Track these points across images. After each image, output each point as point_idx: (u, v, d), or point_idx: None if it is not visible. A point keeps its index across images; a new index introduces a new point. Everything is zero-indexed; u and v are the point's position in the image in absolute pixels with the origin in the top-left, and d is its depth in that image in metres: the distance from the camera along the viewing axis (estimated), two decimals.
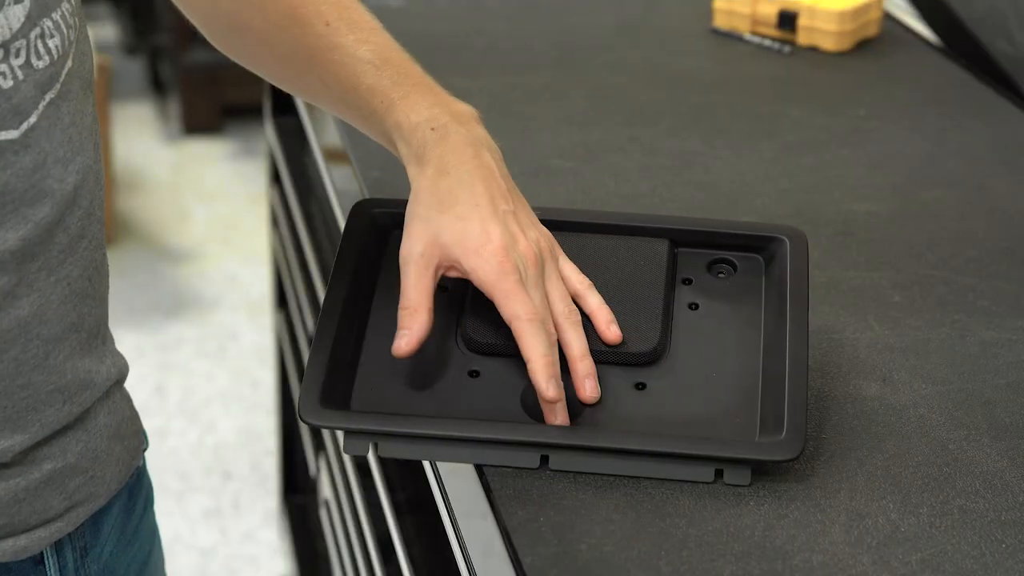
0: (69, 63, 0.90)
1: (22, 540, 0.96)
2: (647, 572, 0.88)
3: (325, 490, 1.90)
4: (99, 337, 0.98)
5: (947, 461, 0.98)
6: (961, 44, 1.74)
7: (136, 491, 1.10)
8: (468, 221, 0.97)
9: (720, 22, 1.72)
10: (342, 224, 1.28)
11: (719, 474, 0.94)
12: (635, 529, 0.91)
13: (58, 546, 0.99)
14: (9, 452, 0.92)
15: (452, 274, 0.98)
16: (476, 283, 0.97)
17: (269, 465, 2.59)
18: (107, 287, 1.00)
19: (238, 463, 2.64)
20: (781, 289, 1.04)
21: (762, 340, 1.02)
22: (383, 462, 1.44)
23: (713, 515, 0.92)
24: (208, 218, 3.46)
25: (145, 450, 1.09)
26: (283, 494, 2.39)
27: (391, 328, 0.98)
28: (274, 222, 2.25)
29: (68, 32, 0.90)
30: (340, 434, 1.11)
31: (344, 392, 0.98)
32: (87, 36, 0.95)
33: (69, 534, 1.00)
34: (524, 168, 1.32)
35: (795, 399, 0.96)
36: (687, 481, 0.94)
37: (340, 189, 1.46)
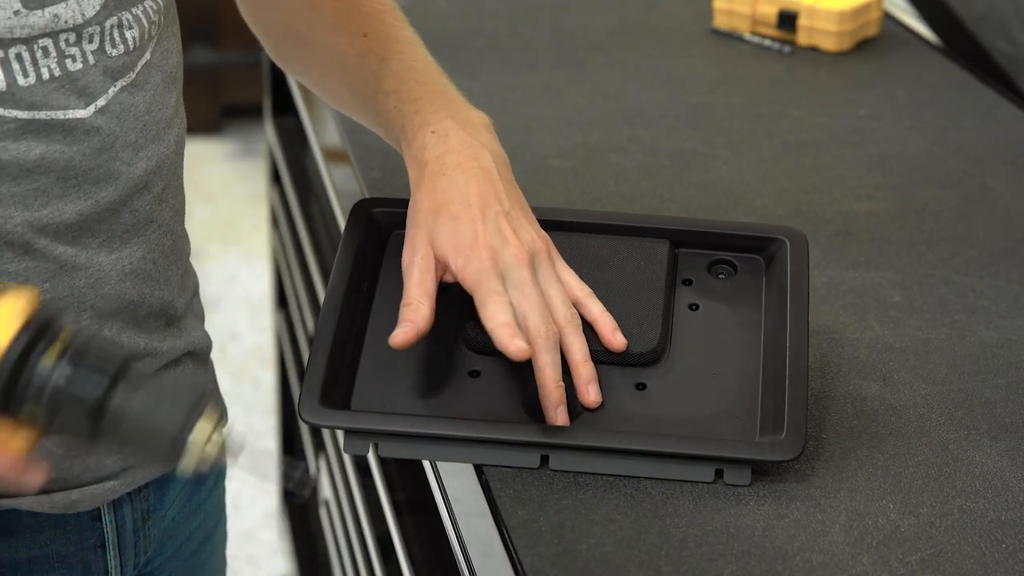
0: (147, 56, 0.94)
1: (74, 495, 0.98)
2: (647, 572, 0.88)
3: (325, 490, 1.90)
4: (163, 319, 1.00)
5: (947, 461, 0.98)
6: (961, 44, 1.74)
7: None
8: (459, 221, 0.98)
9: (720, 22, 1.72)
10: (342, 224, 1.28)
11: (719, 474, 0.94)
12: (635, 529, 0.91)
13: (116, 505, 1.02)
14: None
15: (448, 278, 0.99)
16: (462, 284, 0.97)
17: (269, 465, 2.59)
18: (180, 273, 1.03)
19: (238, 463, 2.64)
20: (781, 290, 1.04)
21: (762, 341, 1.02)
22: (383, 462, 1.44)
23: (713, 515, 0.92)
24: (208, 218, 3.46)
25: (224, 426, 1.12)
26: (283, 494, 2.39)
27: (391, 327, 0.98)
28: (274, 222, 2.25)
29: (150, 27, 0.95)
30: (340, 434, 1.11)
31: (344, 392, 0.98)
32: (174, 35, 0.99)
33: (130, 495, 1.03)
34: (524, 168, 1.32)
35: (795, 399, 0.96)
36: (687, 481, 0.94)
37: (340, 189, 1.46)
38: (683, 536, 0.90)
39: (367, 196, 1.23)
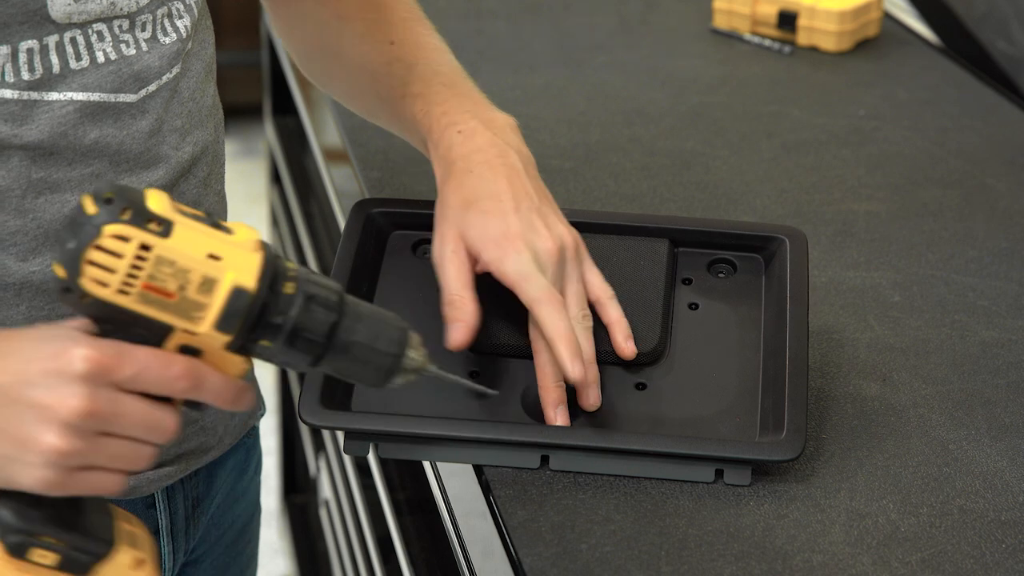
0: (191, 44, 0.97)
1: (131, 480, 0.97)
2: (647, 572, 0.88)
3: (325, 490, 1.90)
4: None
5: (947, 461, 0.98)
6: (961, 44, 1.74)
7: (252, 452, 1.17)
8: (490, 215, 0.97)
9: (720, 22, 1.72)
10: (342, 224, 1.28)
11: (719, 474, 0.94)
12: (635, 529, 0.91)
13: (170, 493, 1.04)
14: None
15: (479, 269, 0.98)
16: (495, 273, 0.97)
17: (269, 465, 2.59)
18: None
19: None
20: (781, 289, 1.04)
21: (762, 340, 1.02)
22: (383, 462, 1.44)
23: (713, 515, 0.92)
24: None
25: (262, 415, 1.15)
26: (283, 494, 2.39)
27: None
28: (274, 222, 2.25)
29: (197, 17, 0.98)
30: (340, 434, 1.11)
31: (344, 392, 0.98)
32: (208, 27, 1.01)
33: (182, 482, 1.05)
34: None
35: (795, 399, 0.96)
36: (687, 481, 0.94)
37: (340, 189, 1.46)
38: (683, 536, 0.90)
39: (367, 196, 1.23)
